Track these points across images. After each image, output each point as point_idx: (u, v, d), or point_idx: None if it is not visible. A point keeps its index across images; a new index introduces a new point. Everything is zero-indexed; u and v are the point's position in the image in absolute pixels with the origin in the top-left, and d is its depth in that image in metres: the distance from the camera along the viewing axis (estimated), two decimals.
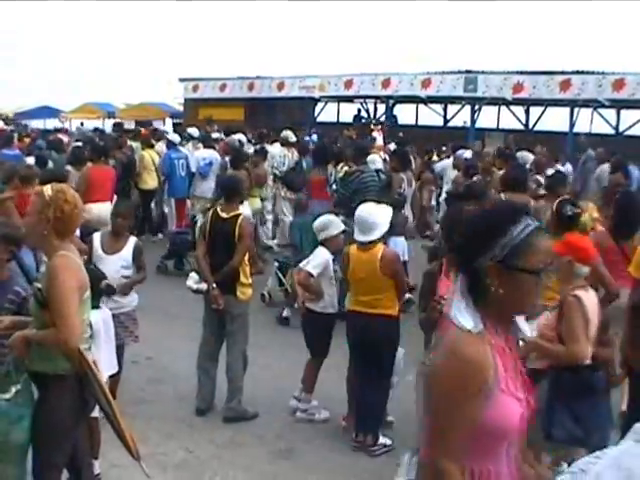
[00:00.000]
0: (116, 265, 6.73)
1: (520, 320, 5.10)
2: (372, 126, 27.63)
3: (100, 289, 5.60)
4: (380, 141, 22.37)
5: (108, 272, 6.30)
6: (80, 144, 16.11)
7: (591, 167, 17.06)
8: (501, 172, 11.27)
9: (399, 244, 10.52)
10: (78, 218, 4.36)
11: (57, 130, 27.74)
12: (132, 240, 6.97)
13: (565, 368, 5.26)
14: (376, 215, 6.71)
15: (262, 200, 14.52)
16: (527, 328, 4.83)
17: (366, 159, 11.81)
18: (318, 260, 7.34)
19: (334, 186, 12.62)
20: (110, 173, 12.69)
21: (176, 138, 16.22)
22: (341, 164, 13.71)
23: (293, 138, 16.61)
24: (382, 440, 6.75)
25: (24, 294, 4.74)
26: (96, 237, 6.92)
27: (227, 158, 14.38)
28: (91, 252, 6.78)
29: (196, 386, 7.35)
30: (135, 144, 17.31)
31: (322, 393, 7.48)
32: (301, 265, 7.55)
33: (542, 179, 11.08)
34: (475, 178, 11.49)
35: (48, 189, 4.31)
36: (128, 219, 6.99)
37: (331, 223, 7.52)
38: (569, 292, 5.32)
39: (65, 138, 19.96)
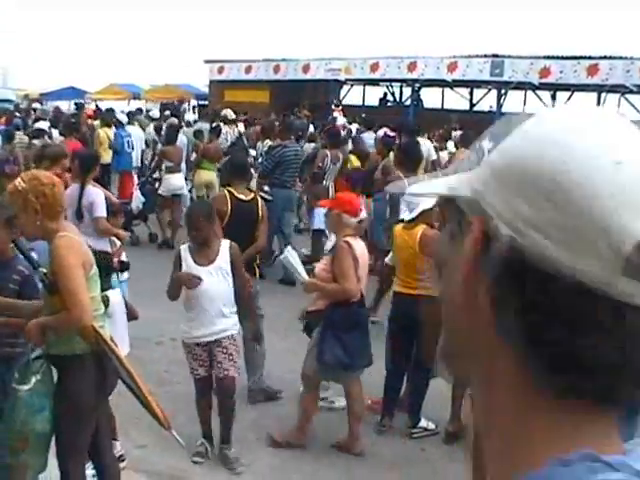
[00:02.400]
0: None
1: (298, 266, 6.19)
2: (333, 107, 27.88)
3: (111, 267, 5.56)
4: (341, 121, 23.22)
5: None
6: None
7: None
8: None
9: (319, 214, 10.86)
10: (61, 195, 4.40)
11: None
12: (225, 245, 6.17)
13: (337, 304, 6.13)
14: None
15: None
16: (304, 274, 6.20)
17: (290, 134, 12.71)
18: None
19: (260, 159, 13.99)
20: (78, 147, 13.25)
21: (124, 118, 17.68)
22: (267, 140, 14.90)
23: (232, 116, 18.74)
24: (423, 423, 6.80)
25: (27, 272, 4.77)
26: (183, 248, 6.20)
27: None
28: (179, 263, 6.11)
29: None
30: (96, 122, 19.21)
31: None
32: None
33: None
34: None
35: (20, 182, 4.33)
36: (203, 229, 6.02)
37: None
38: (340, 239, 6.21)
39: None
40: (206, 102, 35.61)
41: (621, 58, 24.68)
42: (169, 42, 79.37)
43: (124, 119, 17.54)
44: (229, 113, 18.82)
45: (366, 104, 36.16)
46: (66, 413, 4.33)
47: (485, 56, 27.43)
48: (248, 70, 34.33)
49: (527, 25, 69.03)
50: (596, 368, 0.74)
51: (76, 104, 27.41)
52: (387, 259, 8.10)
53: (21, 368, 4.45)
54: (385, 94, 36.48)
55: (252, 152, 15.78)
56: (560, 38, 58.65)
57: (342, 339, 6.08)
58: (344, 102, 34.44)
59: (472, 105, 34.83)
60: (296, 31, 72.64)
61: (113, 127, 16.84)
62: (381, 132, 16.93)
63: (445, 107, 34.25)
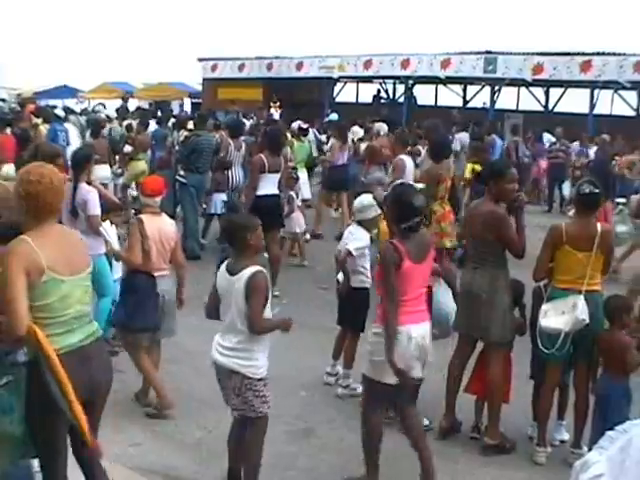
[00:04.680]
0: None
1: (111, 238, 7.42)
2: (271, 103, 28.23)
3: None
4: (277, 117, 24.69)
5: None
6: None
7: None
8: None
9: (219, 200, 13.08)
10: (51, 194, 4.26)
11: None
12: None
13: (129, 271, 7.18)
14: None
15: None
16: (117, 245, 7.74)
17: (205, 126, 14.62)
18: (360, 242, 7.51)
19: (177, 147, 15.38)
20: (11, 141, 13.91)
21: (61, 113, 19.45)
22: (182, 130, 16.71)
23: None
24: None
25: None
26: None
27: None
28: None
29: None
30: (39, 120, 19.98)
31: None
32: (342, 244, 7.69)
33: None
34: None
35: (20, 171, 4.34)
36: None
37: (368, 206, 7.60)
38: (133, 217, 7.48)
39: None
40: (200, 100, 35.63)
41: (614, 54, 24.72)
42: (163, 40, 79.05)
43: (61, 114, 19.13)
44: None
45: (360, 101, 36.17)
46: (29, 418, 4.27)
47: (478, 53, 27.46)
48: (241, 68, 34.34)
49: (520, 22, 69.04)
50: None
51: (19, 102, 29.26)
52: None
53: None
54: (378, 91, 36.49)
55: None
56: (553, 34, 58.63)
57: (126, 301, 6.98)
58: (338, 100, 34.46)
59: (465, 102, 34.87)
60: (289, 29, 72.47)
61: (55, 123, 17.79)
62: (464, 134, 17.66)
63: (439, 104, 34.29)
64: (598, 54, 24.97)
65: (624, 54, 24.48)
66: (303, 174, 15.85)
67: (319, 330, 8.72)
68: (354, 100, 36.56)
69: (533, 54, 26.16)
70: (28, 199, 4.23)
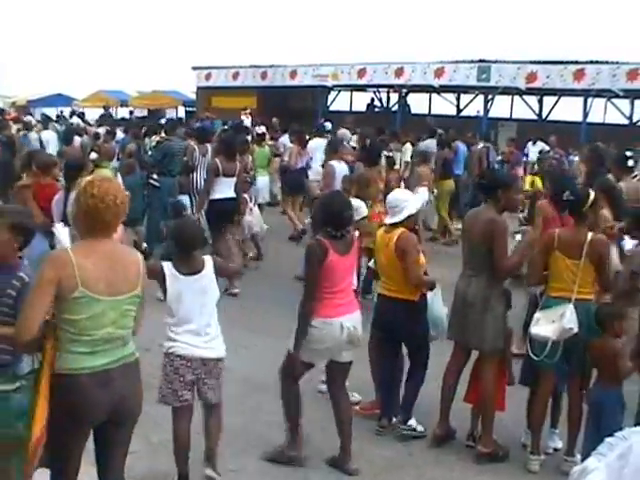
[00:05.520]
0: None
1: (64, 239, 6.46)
2: (242, 111, 28.35)
3: None
4: (248, 123, 25.44)
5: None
6: None
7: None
8: None
9: (185, 201, 13.00)
10: (110, 214, 4.13)
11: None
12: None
13: None
14: (402, 199, 6.87)
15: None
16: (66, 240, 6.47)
17: (175, 132, 15.83)
18: None
19: (149, 152, 16.25)
20: None
21: (33, 120, 21.83)
22: (154, 136, 17.91)
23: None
24: (413, 422, 6.82)
25: (27, 280, 4.71)
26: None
27: None
28: None
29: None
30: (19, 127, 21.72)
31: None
32: None
33: None
34: None
35: (84, 179, 4.26)
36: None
37: (356, 209, 7.74)
38: None
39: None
40: (194, 109, 35.65)
41: (607, 63, 24.82)
42: (157, 49, 79.19)
43: (32, 121, 21.03)
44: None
45: (353, 110, 36.21)
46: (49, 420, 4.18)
47: (472, 61, 27.55)
48: (235, 76, 34.39)
49: (513, 30, 69.28)
50: None
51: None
52: (370, 263, 8.23)
53: (8, 370, 4.47)
54: (372, 100, 36.55)
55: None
56: (546, 43, 58.84)
57: None
58: (332, 108, 34.51)
59: (459, 110, 34.94)
60: (283, 38, 72.64)
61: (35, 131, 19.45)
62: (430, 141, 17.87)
63: (432, 112, 34.35)
64: (591, 62, 25.07)
65: (617, 62, 24.58)
66: (264, 178, 16.47)
67: None
68: (348, 109, 36.59)
69: (526, 63, 26.25)
70: (86, 213, 4.12)
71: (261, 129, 19.75)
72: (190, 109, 36.90)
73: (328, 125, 24.00)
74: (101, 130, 20.91)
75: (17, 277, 4.70)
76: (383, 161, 13.88)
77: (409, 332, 6.76)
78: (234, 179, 11.42)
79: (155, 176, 13.74)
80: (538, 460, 6.38)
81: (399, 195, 7.10)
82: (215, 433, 5.85)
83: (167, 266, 5.56)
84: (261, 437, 6.64)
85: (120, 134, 20.50)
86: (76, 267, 4.02)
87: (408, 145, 19.22)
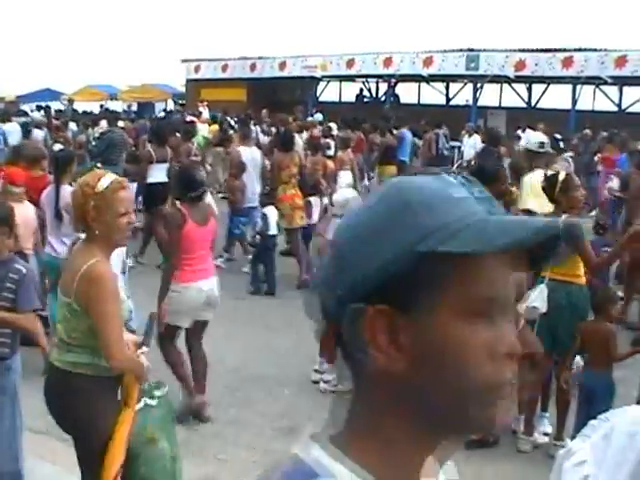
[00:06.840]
0: None
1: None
2: (199, 102, 28.82)
3: None
4: (206, 115, 26.06)
5: None
6: None
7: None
8: None
9: (133, 187, 13.55)
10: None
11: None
12: None
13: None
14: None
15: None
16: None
17: (117, 123, 18.10)
18: None
19: (93, 142, 16.73)
20: None
21: None
22: (96, 127, 19.50)
23: None
24: None
25: (25, 271, 4.73)
26: None
27: None
28: None
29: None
30: None
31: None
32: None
33: None
34: None
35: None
36: None
37: (349, 201, 8.03)
38: None
39: None
40: (183, 101, 35.59)
41: (595, 50, 24.85)
42: (146, 42, 79.07)
43: None
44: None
45: (343, 100, 36.21)
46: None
47: (460, 50, 27.56)
48: (224, 69, 34.34)
49: (501, 19, 69.32)
50: None
51: None
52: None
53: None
54: (361, 90, 36.54)
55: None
56: (534, 31, 58.98)
57: None
58: (321, 99, 34.49)
59: (448, 99, 34.95)
60: (272, 29, 72.56)
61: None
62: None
63: (421, 102, 34.37)
64: (579, 50, 25.11)
65: (605, 50, 24.62)
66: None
67: (302, 329, 8.75)
68: (337, 99, 36.58)
69: (515, 51, 26.29)
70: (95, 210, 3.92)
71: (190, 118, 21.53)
72: (180, 102, 36.83)
73: (319, 116, 23.99)
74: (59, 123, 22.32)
75: (14, 270, 4.73)
76: (300, 147, 14.59)
77: None
78: (166, 165, 12.59)
79: (99, 165, 13.96)
80: (529, 441, 6.42)
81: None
82: None
83: None
84: (251, 427, 6.67)
85: (73, 126, 22.02)
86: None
87: None
